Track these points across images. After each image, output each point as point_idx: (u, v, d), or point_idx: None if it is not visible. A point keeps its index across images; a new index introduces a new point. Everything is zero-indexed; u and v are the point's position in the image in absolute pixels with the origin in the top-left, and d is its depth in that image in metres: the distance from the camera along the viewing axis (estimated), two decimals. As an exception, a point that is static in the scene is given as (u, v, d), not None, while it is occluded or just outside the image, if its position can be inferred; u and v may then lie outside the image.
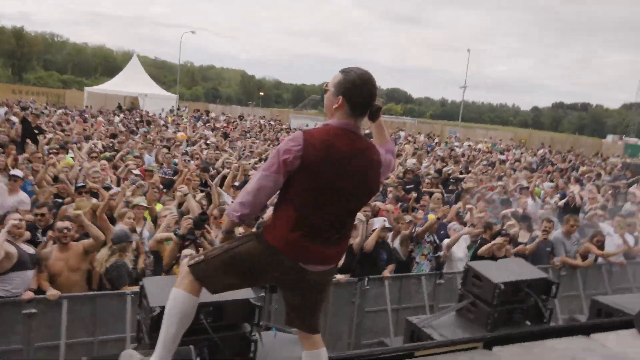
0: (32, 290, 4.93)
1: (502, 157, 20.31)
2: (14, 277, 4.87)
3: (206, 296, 3.19)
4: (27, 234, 5.40)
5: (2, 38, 67.31)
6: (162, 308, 2.99)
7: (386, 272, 6.16)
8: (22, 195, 6.98)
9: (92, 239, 5.28)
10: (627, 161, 25.89)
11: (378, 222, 6.37)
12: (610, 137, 53.87)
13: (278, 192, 2.32)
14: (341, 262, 6.04)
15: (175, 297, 2.39)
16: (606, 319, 4.34)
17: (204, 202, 7.39)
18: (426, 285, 6.33)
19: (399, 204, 8.37)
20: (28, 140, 10.99)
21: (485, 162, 16.62)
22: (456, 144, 26.14)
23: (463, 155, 18.82)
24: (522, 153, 23.34)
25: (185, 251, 4.97)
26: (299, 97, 79.71)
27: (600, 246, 7.34)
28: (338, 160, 2.21)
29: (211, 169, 9.55)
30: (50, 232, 5.60)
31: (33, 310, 4.79)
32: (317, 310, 2.52)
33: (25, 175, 7.60)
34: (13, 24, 72.84)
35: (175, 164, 10.37)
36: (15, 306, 4.77)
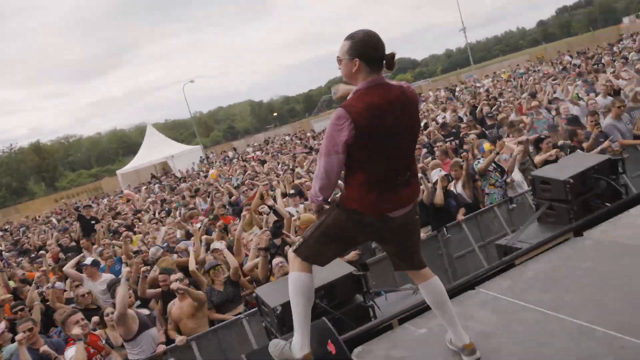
0: (163, 343, 5.42)
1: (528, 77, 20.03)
2: (142, 338, 5.35)
3: (315, 281, 3.59)
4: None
5: (25, 158, 69.84)
6: (283, 305, 3.36)
7: (459, 216, 6.42)
8: (108, 276, 7.34)
9: (194, 299, 5.59)
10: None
11: (436, 175, 6.64)
12: (626, 20, 51.62)
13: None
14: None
15: (293, 279, 2.61)
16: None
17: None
18: (501, 214, 6.54)
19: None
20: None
21: (510, 90, 16.46)
22: (478, 84, 25.74)
23: (488, 92, 18.63)
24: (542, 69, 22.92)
25: (275, 260, 5.37)
26: (311, 103, 79.77)
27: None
28: (382, 114, 2.33)
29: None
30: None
31: (170, 360, 5.28)
32: (416, 249, 2.68)
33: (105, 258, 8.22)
34: (29, 142, 75.82)
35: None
36: (154, 362, 5.22)
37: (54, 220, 20.94)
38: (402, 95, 2.43)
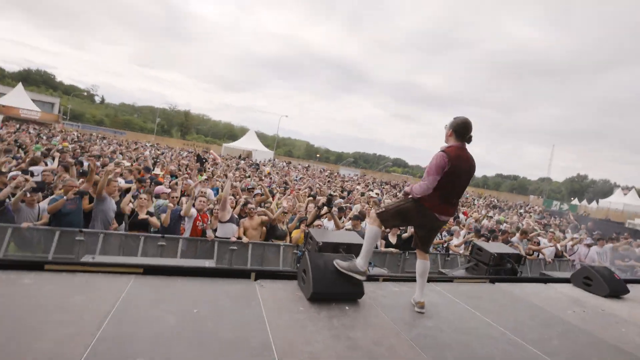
0: (236, 237, 5.56)
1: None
2: (228, 226, 5.53)
3: (341, 240, 3.79)
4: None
5: (178, 116, 72.34)
6: (324, 242, 3.59)
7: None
8: (209, 191, 7.51)
9: (268, 217, 5.83)
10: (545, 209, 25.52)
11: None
12: (532, 197, 52.50)
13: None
14: (394, 241, 6.50)
15: (370, 229, 2.72)
16: (552, 277, 4.60)
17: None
18: (440, 261, 6.66)
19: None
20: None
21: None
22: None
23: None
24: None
25: (316, 222, 5.47)
26: (339, 160, 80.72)
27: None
28: (460, 163, 2.54)
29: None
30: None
31: (234, 247, 5.46)
32: (431, 241, 2.87)
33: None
34: (183, 109, 77.96)
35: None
36: (227, 244, 5.43)
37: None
38: (470, 159, 2.63)
